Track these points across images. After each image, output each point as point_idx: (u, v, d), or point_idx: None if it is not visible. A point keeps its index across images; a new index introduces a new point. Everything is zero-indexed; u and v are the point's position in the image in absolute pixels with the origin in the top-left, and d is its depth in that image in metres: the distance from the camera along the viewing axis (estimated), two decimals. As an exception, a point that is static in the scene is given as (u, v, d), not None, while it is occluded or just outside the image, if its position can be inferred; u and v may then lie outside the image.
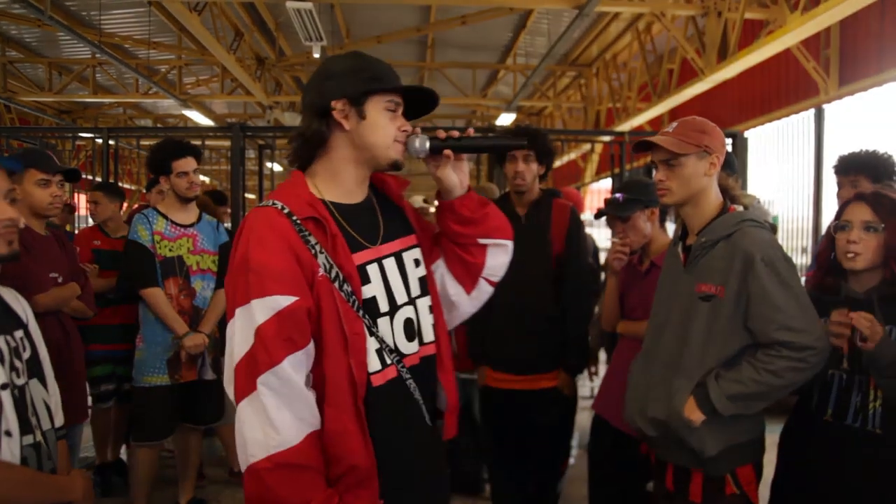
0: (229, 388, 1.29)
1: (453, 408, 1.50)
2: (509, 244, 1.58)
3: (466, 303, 1.59)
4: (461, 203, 1.48)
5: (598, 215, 2.69)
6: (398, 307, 1.40)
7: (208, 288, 3.07)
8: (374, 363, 1.33)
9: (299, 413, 1.25)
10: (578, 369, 2.78)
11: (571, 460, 4.02)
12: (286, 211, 1.31)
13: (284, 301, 1.25)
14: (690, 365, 1.78)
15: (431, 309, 1.48)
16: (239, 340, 1.26)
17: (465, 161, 1.48)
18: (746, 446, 1.81)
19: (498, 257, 1.56)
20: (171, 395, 2.97)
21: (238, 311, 1.27)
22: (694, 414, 1.74)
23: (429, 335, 1.46)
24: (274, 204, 1.32)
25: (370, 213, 1.44)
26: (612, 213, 2.51)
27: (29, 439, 1.42)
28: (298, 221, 1.30)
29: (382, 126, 1.37)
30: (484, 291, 1.59)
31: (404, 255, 1.45)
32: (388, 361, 1.36)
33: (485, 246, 1.53)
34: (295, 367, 1.25)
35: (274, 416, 1.22)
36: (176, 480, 3.34)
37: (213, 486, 3.77)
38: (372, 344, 1.33)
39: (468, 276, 1.55)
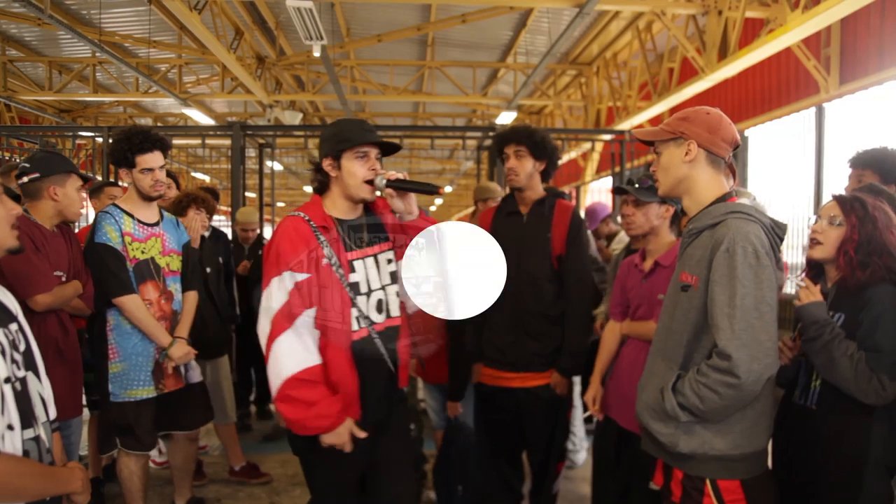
0: (264, 335, 1.92)
1: (405, 363, 2.16)
2: None
3: None
4: (410, 224, 2.14)
5: (618, 191, 2.59)
6: (372, 290, 2.08)
7: (179, 290, 2.93)
8: (353, 325, 2.02)
9: (311, 346, 1.94)
10: (572, 371, 2.74)
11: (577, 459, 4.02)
12: (306, 219, 2.01)
13: (301, 276, 1.94)
14: (673, 354, 1.73)
15: (398, 294, 2.15)
16: (277, 297, 1.92)
17: (411, 196, 2.08)
18: (734, 460, 1.67)
19: None
20: (157, 406, 2.84)
21: (275, 279, 1.93)
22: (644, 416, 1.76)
23: (394, 312, 2.13)
24: (299, 214, 2.02)
25: (360, 227, 2.11)
26: (634, 194, 2.44)
27: (30, 433, 1.43)
28: (315, 226, 2.00)
29: (353, 173, 2.02)
30: None
31: (380, 256, 2.13)
32: (362, 325, 2.04)
33: None
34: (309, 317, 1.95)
35: (306, 342, 1.93)
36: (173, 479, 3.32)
37: (213, 485, 3.77)
38: (353, 312, 2.02)
39: None
